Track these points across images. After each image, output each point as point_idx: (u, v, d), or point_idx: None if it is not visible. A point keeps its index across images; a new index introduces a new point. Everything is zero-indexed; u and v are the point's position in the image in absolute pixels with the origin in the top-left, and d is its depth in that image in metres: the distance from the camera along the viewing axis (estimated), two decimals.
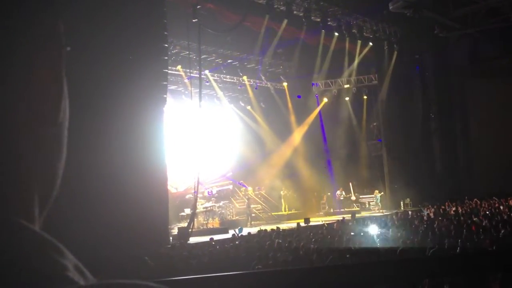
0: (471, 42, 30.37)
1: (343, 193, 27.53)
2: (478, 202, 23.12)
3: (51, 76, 0.72)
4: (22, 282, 0.58)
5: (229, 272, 1.41)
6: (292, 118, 29.10)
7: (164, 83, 16.16)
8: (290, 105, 28.93)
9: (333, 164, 28.63)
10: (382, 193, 27.21)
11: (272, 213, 25.05)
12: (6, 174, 0.67)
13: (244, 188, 25.35)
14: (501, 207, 19.91)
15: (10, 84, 0.67)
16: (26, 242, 0.63)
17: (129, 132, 13.54)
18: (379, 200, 26.77)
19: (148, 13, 15.02)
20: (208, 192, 23.97)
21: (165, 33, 16.37)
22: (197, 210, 19.76)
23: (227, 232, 19.03)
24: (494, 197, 23.45)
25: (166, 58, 16.99)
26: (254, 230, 17.68)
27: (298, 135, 29.02)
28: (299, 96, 29.42)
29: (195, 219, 19.21)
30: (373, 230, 14.36)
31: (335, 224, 17.61)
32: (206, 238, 16.11)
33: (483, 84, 30.18)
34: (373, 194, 27.73)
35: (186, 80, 23.15)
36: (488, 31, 28.35)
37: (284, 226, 19.52)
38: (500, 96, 29.97)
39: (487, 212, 18.01)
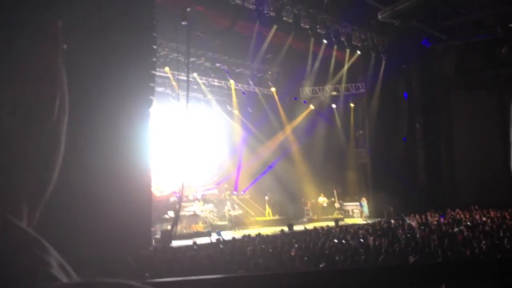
0: (458, 54, 30.74)
1: (325, 199, 27.46)
2: (460, 212, 23.30)
3: (46, 73, 0.72)
4: (5, 278, 0.58)
5: (211, 275, 1.40)
6: (280, 123, 29.09)
7: (152, 84, 16.10)
8: (279, 110, 28.93)
9: (317, 170, 28.52)
10: (366, 201, 27.24)
11: (256, 218, 24.99)
12: None
13: (228, 192, 25.27)
14: (483, 218, 20.06)
15: (8, 78, 0.67)
16: (11, 238, 0.62)
17: (114, 133, 13.45)
18: (365, 208, 26.68)
19: (138, 14, 14.98)
20: (193, 195, 23.84)
21: (154, 34, 16.34)
22: (181, 214, 19.64)
23: (211, 236, 18.96)
24: (476, 208, 23.67)
25: (155, 59, 16.94)
26: (237, 235, 17.63)
27: (285, 140, 29.02)
28: (296, 98, 29.54)
29: (179, 223, 19.11)
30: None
31: (318, 231, 17.64)
32: (189, 242, 16.03)
33: (468, 95, 30.52)
34: (356, 201, 27.73)
35: (173, 83, 23.07)
36: (474, 43, 28.71)
37: (267, 231, 19.50)
38: (484, 108, 30.35)
39: (469, 223, 18.14)
